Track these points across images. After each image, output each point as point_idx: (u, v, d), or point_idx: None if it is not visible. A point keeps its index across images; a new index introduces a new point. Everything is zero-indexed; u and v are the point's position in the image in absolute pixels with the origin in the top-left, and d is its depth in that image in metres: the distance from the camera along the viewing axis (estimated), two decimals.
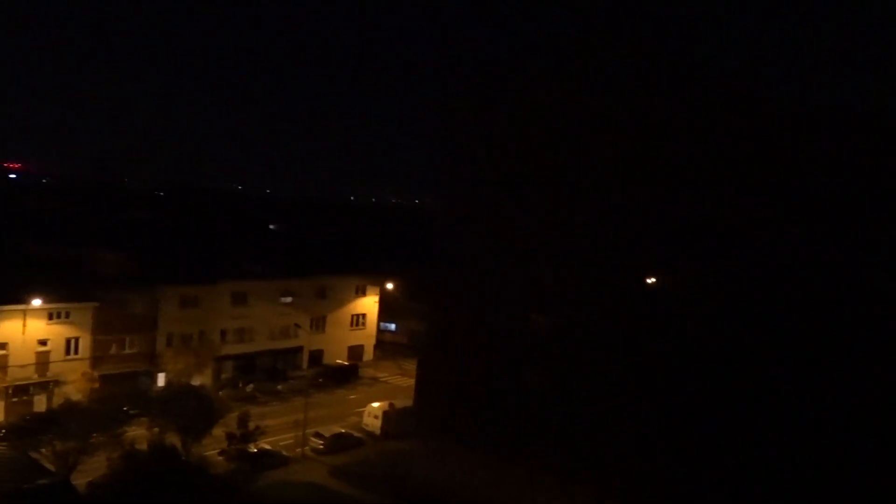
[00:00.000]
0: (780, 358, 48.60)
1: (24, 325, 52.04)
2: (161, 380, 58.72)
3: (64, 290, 54.77)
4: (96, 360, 55.78)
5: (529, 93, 43.94)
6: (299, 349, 70.98)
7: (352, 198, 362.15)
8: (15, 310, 51.65)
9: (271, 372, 67.03)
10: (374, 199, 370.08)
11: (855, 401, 43.56)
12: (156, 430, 42.11)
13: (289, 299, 70.56)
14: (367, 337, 78.61)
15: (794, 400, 47.25)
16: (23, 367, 52.01)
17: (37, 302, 52.15)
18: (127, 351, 58.04)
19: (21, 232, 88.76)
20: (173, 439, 41.53)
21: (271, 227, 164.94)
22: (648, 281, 41.99)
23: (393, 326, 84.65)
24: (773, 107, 51.98)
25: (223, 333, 65.00)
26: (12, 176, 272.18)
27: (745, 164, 48.59)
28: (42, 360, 53.12)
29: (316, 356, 72.25)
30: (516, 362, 43.37)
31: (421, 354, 50.59)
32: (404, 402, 55.13)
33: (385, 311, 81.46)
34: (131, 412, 51.10)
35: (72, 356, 54.50)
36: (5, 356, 51.32)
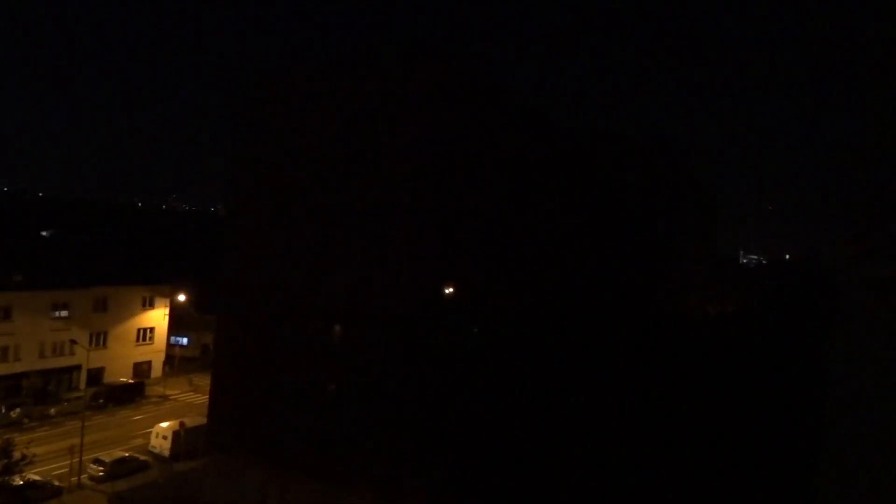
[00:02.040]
0: (558, 360, 52.64)
1: None
2: None
3: None
4: None
5: (312, 98, 43.82)
6: (76, 367, 64.77)
7: (139, 203, 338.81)
8: None
9: (42, 394, 60.50)
10: (164, 206, 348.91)
11: (628, 399, 48.10)
12: None
13: (64, 313, 64.25)
14: (155, 352, 73.61)
15: (571, 400, 51.28)
16: None
17: None
18: None
19: None
20: None
21: (43, 232, 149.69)
22: (437, 287, 43.50)
23: (185, 340, 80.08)
24: (554, 125, 56.55)
25: None
26: None
27: (528, 177, 52.22)
28: None
29: (96, 375, 66.38)
30: (307, 373, 42.88)
31: (213, 368, 48.29)
32: (197, 419, 52.32)
33: (176, 324, 76.87)
34: None
35: None
36: None
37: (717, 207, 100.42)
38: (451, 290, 43.90)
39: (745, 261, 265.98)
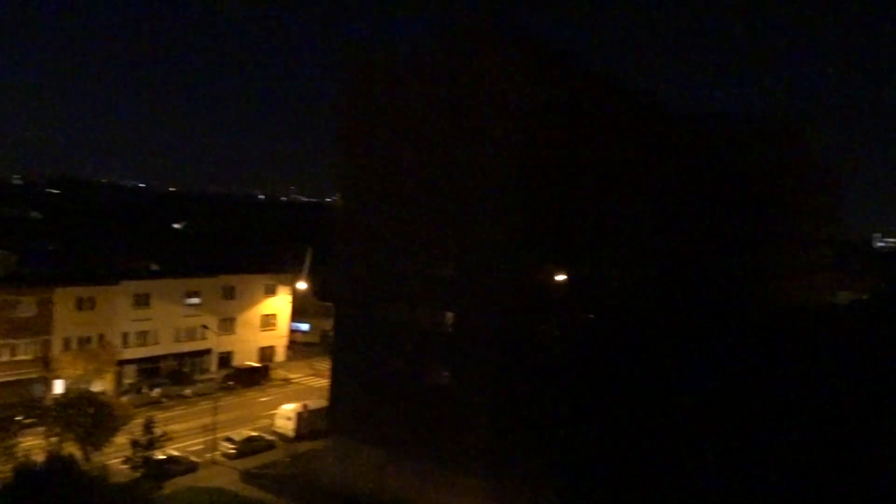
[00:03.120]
0: (669, 352, 51.04)
1: None
2: (58, 386, 55.85)
3: None
4: None
5: (418, 85, 44.09)
6: (207, 351, 69.02)
7: (261, 196, 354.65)
8: None
9: (178, 375, 64.86)
10: (283, 198, 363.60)
11: (746, 396, 46.16)
12: (52, 439, 40.06)
13: (195, 300, 68.46)
14: (278, 337, 77.23)
15: (682, 393, 49.66)
16: None
17: None
18: (19, 357, 54.96)
19: None
20: (72, 449, 39.64)
21: (176, 225, 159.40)
22: (547, 276, 43.19)
23: (305, 326, 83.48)
24: (661, 109, 54.68)
25: (125, 336, 62.47)
26: None
27: (635, 162, 50.83)
28: None
29: (225, 358, 70.48)
30: (420, 358, 43.64)
31: (332, 354, 50.15)
32: (318, 402, 54.54)
33: (297, 311, 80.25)
34: (25, 421, 48.44)
35: None
36: None
37: (846, 189, 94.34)
38: (562, 277, 43.52)
39: (881, 244, 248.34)
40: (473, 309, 41.58)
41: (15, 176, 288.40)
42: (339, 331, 49.27)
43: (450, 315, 42.76)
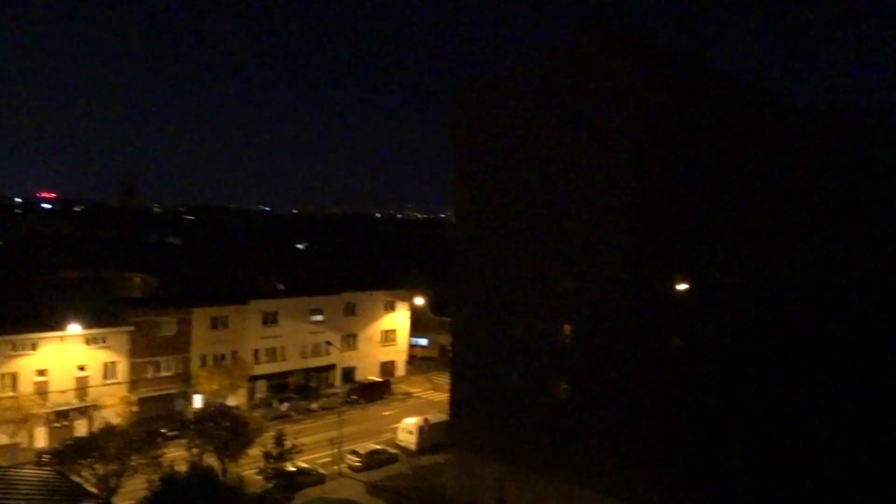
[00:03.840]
0: (800, 359, 48.00)
1: (64, 352, 53.05)
2: (197, 401, 59.42)
3: (100, 314, 55.83)
4: (133, 383, 56.61)
5: (534, 94, 43.84)
6: (332, 366, 71.39)
7: (377, 214, 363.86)
8: (54, 336, 52.72)
9: (305, 390, 67.44)
10: (399, 215, 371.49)
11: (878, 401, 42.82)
12: (193, 451, 42.53)
13: (319, 317, 71.04)
14: (398, 352, 78.81)
15: (817, 402, 46.56)
16: (63, 392, 52.96)
17: (75, 328, 53.16)
18: (162, 373, 58.85)
19: (56, 259, 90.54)
20: (211, 460, 41.92)
21: (299, 245, 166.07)
22: (670, 285, 41.71)
23: (424, 341, 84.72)
24: (784, 107, 51.76)
25: (255, 353, 65.60)
26: (46, 206, 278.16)
27: (762, 164, 48.31)
28: (81, 385, 54.09)
29: (348, 373, 72.64)
30: (539, 371, 43.18)
31: (451, 368, 50.56)
32: (438, 416, 55.13)
33: (415, 326, 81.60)
34: (169, 434, 51.84)
35: (109, 380, 55.41)
36: (46, 382, 52.32)
37: None
38: (686, 286, 41.98)
39: None
40: (593, 321, 40.83)
41: (155, 205, 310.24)
42: (456, 345, 49.69)
43: (568, 327, 42.21)
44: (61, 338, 52.97)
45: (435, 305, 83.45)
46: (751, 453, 43.71)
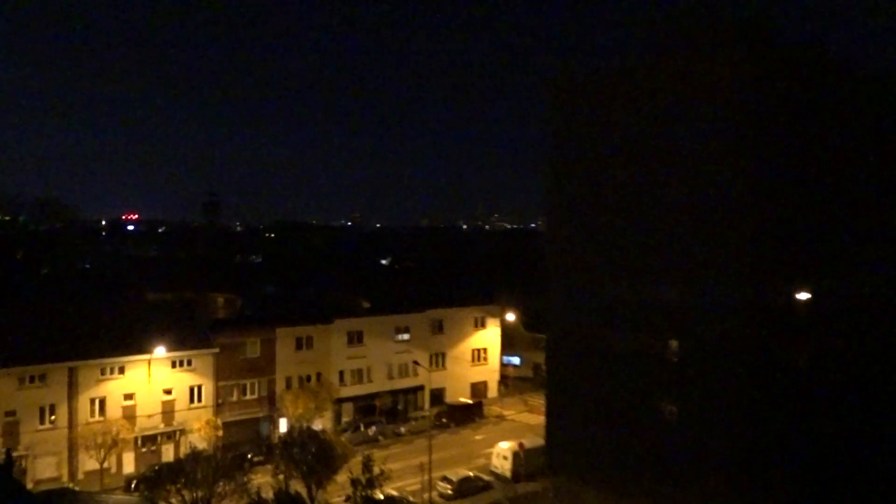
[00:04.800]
0: None
1: (150, 375, 55.58)
2: (283, 424, 60.98)
3: (185, 337, 58.20)
4: (219, 406, 58.70)
5: (635, 87, 42.96)
6: (420, 388, 71.87)
7: (464, 225, 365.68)
8: (140, 360, 55.32)
9: (392, 413, 68.20)
10: (486, 226, 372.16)
11: None
12: (280, 476, 43.53)
13: (405, 336, 71.78)
14: (489, 372, 78.64)
15: None
16: (150, 416, 55.48)
17: (160, 351, 55.61)
18: (248, 396, 60.76)
19: (140, 281, 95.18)
20: (298, 486, 42.82)
21: (383, 261, 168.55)
22: (790, 294, 39.94)
23: (516, 360, 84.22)
24: None
25: (341, 374, 66.83)
26: (131, 227, 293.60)
27: (885, 162, 45.71)
28: (168, 409, 56.49)
29: (437, 394, 72.94)
30: (642, 392, 42.14)
31: (547, 388, 49.99)
32: (535, 440, 54.56)
33: (507, 344, 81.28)
34: (255, 459, 53.32)
35: (195, 404, 57.64)
36: (133, 406, 54.92)
37: None
38: (806, 296, 40.14)
39: None
40: (702, 336, 39.64)
41: (237, 224, 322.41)
42: (552, 363, 49.21)
43: (674, 343, 41.14)
44: (148, 361, 55.49)
45: (528, 321, 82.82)
46: (888, 479, 41.25)
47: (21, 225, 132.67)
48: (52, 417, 52.14)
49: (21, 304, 63.47)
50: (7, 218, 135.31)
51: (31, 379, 51.56)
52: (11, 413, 50.70)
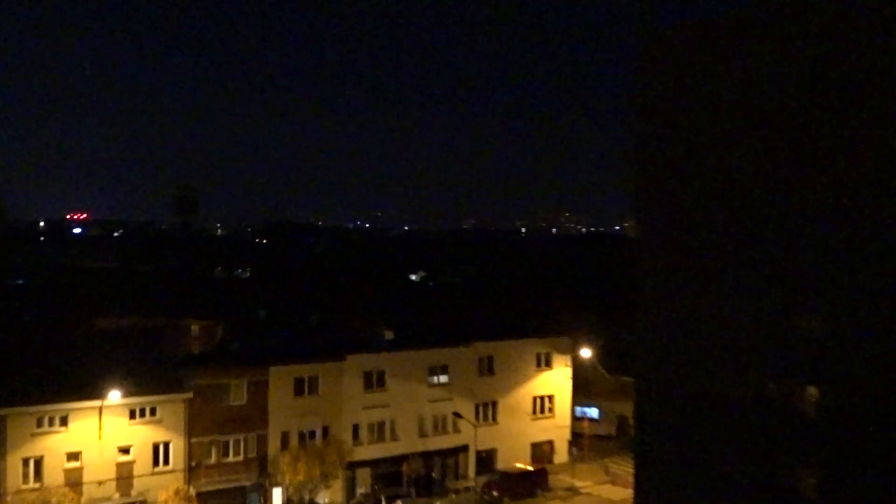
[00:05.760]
0: None
1: (101, 428, 56.28)
2: (277, 496, 61.29)
3: (147, 378, 58.81)
4: (192, 470, 59.15)
5: (766, 48, 42.72)
6: (462, 449, 71.67)
7: (522, 229, 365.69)
8: (89, 407, 55.99)
9: (425, 483, 68.13)
10: (553, 229, 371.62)
11: None
12: None
13: (443, 377, 71.67)
14: (557, 428, 78.12)
15: None
16: (101, 483, 56.06)
17: (115, 396, 56.27)
18: (231, 458, 61.12)
19: (90, 302, 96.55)
20: None
21: (413, 276, 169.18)
22: None
23: (594, 412, 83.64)
24: None
25: (355, 429, 66.95)
26: (77, 230, 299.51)
27: None
28: (124, 474, 57.09)
29: (486, 458, 72.66)
30: (775, 458, 41.76)
31: (637, 451, 49.61)
32: None
33: (582, 390, 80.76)
34: None
35: (161, 467, 58.23)
36: (80, 469, 55.63)
37: None
38: None
39: None
40: (852, 382, 39.04)
41: (217, 225, 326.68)
42: (643, 417, 48.86)
43: (813, 390, 40.66)
44: (99, 409, 56.15)
45: (610, 359, 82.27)
46: None
47: None
48: None
49: None
50: None
51: None
52: None
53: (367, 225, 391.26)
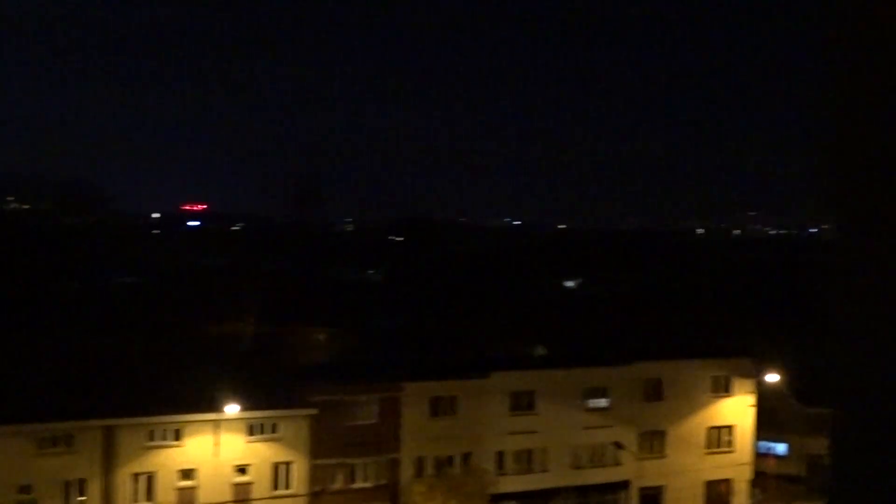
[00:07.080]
0: None
1: (217, 444, 58.04)
2: None
3: (266, 390, 60.31)
4: (315, 496, 60.36)
5: None
6: (622, 485, 71.17)
7: (700, 230, 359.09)
8: (203, 420, 57.94)
9: None
10: (737, 231, 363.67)
11: None
12: None
13: (601, 402, 71.29)
14: (736, 465, 76.71)
15: None
16: None
17: (232, 409, 57.87)
18: (358, 483, 62.14)
19: (204, 307, 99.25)
20: None
21: (569, 283, 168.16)
22: None
23: (781, 448, 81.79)
24: None
25: (499, 457, 67.21)
26: (194, 223, 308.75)
27: None
28: (241, 496, 58.80)
29: (651, 496, 71.99)
30: None
31: (832, 495, 48.41)
32: None
33: (767, 422, 79.07)
34: None
35: (281, 490, 59.68)
36: (193, 489, 57.56)
37: None
38: None
39: None
40: None
41: (346, 220, 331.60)
42: (841, 457, 47.56)
43: None
44: (215, 423, 57.87)
45: (801, 387, 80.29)
46: None
47: (44, 216, 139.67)
48: (82, 498, 55.29)
49: (39, 337, 67.34)
50: (26, 206, 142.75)
51: (54, 442, 54.89)
52: (26, 489, 54.18)
53: (516, 223, 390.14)
